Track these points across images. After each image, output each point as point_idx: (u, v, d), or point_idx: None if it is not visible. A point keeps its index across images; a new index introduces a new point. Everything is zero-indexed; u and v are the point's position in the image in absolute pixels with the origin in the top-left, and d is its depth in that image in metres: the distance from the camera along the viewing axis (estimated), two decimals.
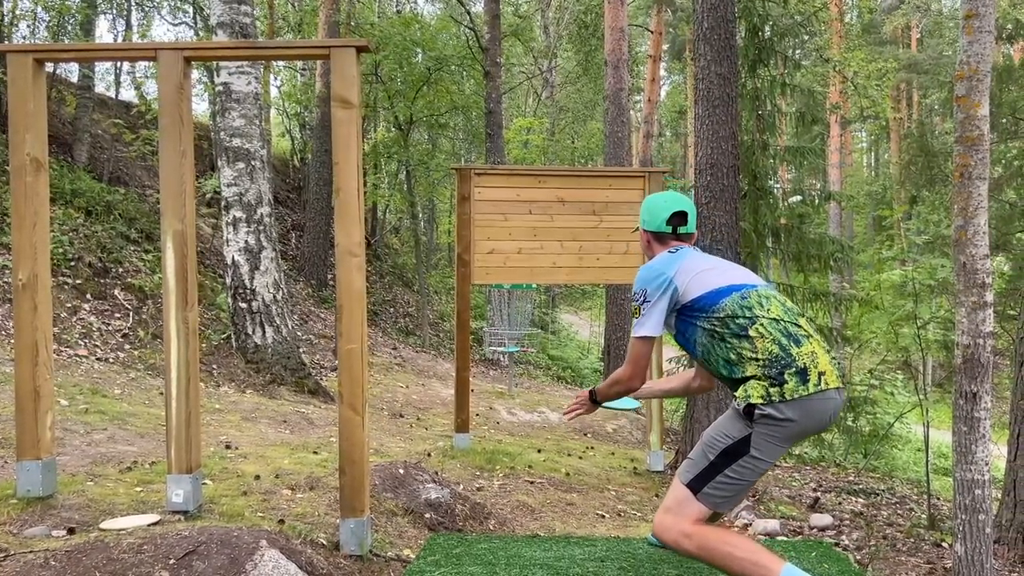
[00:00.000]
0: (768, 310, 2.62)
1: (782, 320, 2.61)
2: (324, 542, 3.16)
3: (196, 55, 3.37)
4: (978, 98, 3.09)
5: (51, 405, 3.42)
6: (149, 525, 3.04)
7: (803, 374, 2.52)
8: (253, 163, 8.36)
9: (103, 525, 3.06)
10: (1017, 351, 4.67)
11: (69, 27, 12.49)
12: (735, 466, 2.56)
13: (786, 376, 2.53)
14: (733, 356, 2.62)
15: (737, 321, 2.61)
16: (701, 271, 2.72)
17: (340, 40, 3.17)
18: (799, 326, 2.62)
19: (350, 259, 3.18)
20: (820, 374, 2.54)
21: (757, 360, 2.56)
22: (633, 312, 2.79)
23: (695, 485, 2.58)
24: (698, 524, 2.54)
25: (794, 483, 7.63)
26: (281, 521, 3.29)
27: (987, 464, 3.18)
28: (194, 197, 3.33)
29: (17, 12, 11.67)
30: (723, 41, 6.30)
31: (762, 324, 2.59)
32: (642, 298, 2.73)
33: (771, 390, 2.53)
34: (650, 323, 2.70)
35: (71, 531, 2.99)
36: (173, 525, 3.02)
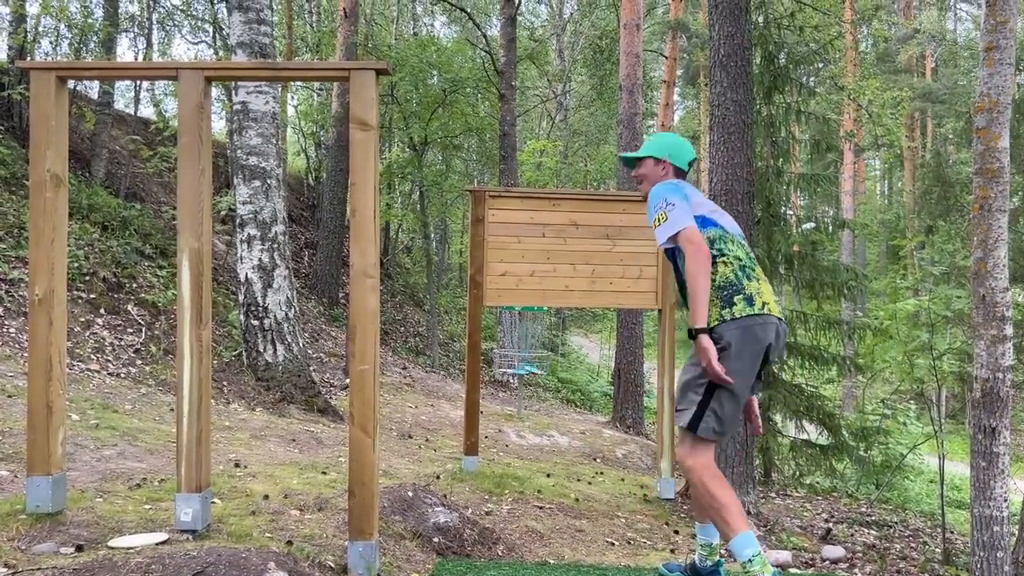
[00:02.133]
0: (735, 252, 3.10)
1: (742, 260, 3.10)
2: (332, 565, 3.13)
3: (217, 75, 3.39)
4: (998, 130, 3.08)
5: (63, 421, 3.42)
6: (157, 544, 3.02)
7: (750, 299, 3.01)
8: (269, 182, 8.41)
9: (111, 543, 3.05)
10: None
11: (92, 44, 12.64)
12: (718, 395, 2.96)
13: (735, 300, 3.00)
14: None
15: (713, 248, 3.06)
16: (701, 200, 3.20)
17: (359, 63, 3.19)
18: (754, 269, 3.11)
19: (364, 280, 3.18)
20: (764, 303, 3.03)
21: (714, 283, 3.02)
22: (658, 219, 3.08)
23: (693, 425, 2.99)
24: (708, 463, 3.00)
25: (805, 513, 7.56)
26: (289, 542, 3.27)
27: (1006, 500, 3.13)
28: (211, 215, 3.34)
29: (40, 29, 11.83)
30: (739, 68, 6.31)
31: (727, 259, 3.07)
32: (664, 202, 3.08)
33: (723, 312, 2.99)
34: (683, 215, 3.04)
35: (79, 548, 2.98)
36: (181, 544, 3.01)
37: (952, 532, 7.70)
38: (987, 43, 3.21)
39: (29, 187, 3.39)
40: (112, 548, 2.97)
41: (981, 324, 3.14)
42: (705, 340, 2.93)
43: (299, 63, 3.80)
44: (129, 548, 2.94)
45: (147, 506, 3.70)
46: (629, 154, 3.43)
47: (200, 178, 3.25)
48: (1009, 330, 3.13)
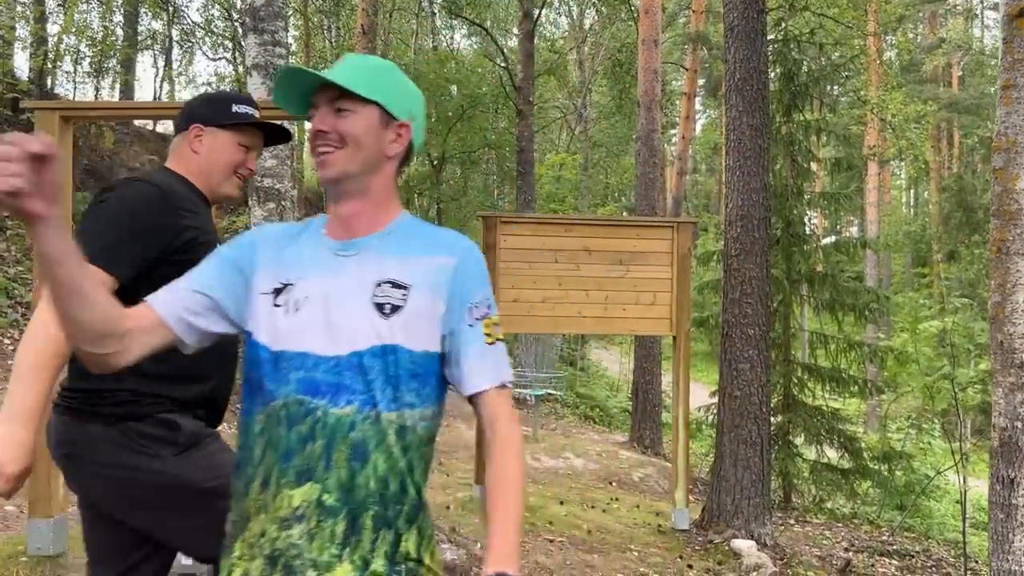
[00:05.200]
0: None
1: None
2: None
3: None
4: (1016, 171, 2.98)
5: None
6: None
7: None
8: (284, 203, 8.40)
9: None
10: None
11: (112, 63, 12.77)
12: None
13: None
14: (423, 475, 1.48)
15: None
16: None
17: None
18: None
19: None
20: None
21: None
22: (488, 333, 1.49)
23: None
24: None
25: (825, 541, 7.40)
26: None
27: None
28: None
29: (61, 49, 11.97)
30: (755, 92, 6.23)
31: None
32: (493, 303, 1.54)
33: None
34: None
35: None
36: None
37: (976, 561, 7.52)
38: (1004, 81, 3.11)
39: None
40: None
41: (999, 371, 3.04)
42: None
43: None
44: None
45: None
46: (335, 79, 1.43)
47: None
48: None
